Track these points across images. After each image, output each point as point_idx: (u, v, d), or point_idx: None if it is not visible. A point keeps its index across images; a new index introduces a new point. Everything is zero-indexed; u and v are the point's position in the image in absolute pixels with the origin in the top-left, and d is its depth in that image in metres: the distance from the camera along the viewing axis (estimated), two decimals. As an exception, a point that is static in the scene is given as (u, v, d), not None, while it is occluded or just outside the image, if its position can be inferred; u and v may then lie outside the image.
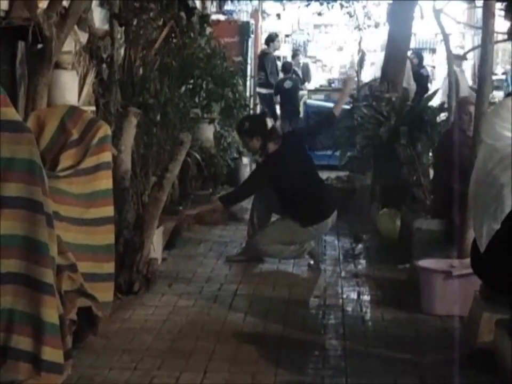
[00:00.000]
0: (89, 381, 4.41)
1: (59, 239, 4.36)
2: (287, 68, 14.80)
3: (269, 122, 7.16)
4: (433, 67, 19.42)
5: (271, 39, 15.38)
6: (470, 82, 13.95)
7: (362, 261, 7.36)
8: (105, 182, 5.00)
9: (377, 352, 4.94)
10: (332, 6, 13.19)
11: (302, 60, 17.32)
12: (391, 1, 10.64)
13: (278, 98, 14.43)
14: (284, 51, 17.88)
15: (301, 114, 14.50)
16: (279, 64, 15.98)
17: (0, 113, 4.01)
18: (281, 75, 14.76)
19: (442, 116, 8.12)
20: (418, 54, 14.74)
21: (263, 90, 14.90)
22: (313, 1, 15.12)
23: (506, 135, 4.41)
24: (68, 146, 4.92)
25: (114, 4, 7.13)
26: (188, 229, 8.25)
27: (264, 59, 15.11)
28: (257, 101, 14.93)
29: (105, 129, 5.06)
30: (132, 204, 6.36)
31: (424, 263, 5.85)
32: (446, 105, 7.93)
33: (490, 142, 4.50)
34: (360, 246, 7.89)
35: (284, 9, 18.28)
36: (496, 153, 4.37)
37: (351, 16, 12.78)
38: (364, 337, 5.26)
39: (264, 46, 15.53)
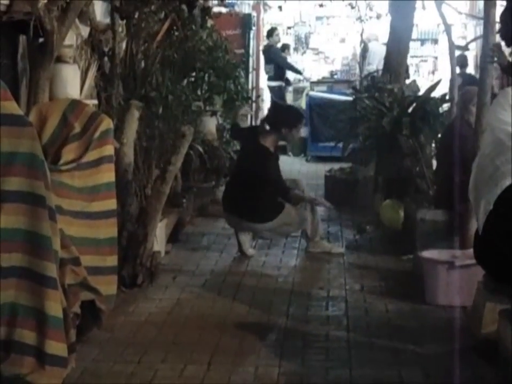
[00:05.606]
0: (93, 374, 4.42)
1: (62, 232, 4.37)
2: None
3: None
4: (436, 58, 19.37)
5: (270, 33, 15.45)
6: (473, 72, 13.90)
7: (366, 252, 7.35)
8: (107, 175, 5.02)
9: (381, 343, 4.95)
10: (334, -2, 13.18)
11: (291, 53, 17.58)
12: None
13: None
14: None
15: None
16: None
17: (0, 107, 4.01)
18: None
19: (445, 106, 8.10)
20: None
21: (272, 83, 14.98)
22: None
23: (506, 120, 4.43)
24: (70, 140, 4.92)
25: (115, -3, 7.12)
26: (190, 222, 8.25)
27: (269, 52, 15.13)
28: (260, 93, 14.91)
29: (107, 123, 5.07)
30: (134, 197, 6.36)
31: (428, 253, 5.85)
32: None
33: (494, 124, 4.52)
34: (363, 237, 7.88)
35: (286, 1, 18.20)
36: (495, 137, 4.39)
37: (352, 7, 12.70)
38: (367, 329, 5.27)
39: (266, 40, 15.58)
